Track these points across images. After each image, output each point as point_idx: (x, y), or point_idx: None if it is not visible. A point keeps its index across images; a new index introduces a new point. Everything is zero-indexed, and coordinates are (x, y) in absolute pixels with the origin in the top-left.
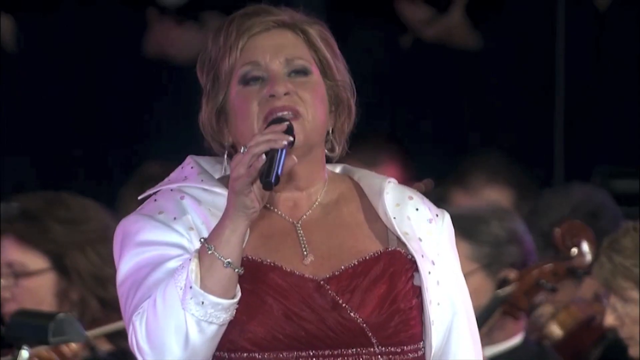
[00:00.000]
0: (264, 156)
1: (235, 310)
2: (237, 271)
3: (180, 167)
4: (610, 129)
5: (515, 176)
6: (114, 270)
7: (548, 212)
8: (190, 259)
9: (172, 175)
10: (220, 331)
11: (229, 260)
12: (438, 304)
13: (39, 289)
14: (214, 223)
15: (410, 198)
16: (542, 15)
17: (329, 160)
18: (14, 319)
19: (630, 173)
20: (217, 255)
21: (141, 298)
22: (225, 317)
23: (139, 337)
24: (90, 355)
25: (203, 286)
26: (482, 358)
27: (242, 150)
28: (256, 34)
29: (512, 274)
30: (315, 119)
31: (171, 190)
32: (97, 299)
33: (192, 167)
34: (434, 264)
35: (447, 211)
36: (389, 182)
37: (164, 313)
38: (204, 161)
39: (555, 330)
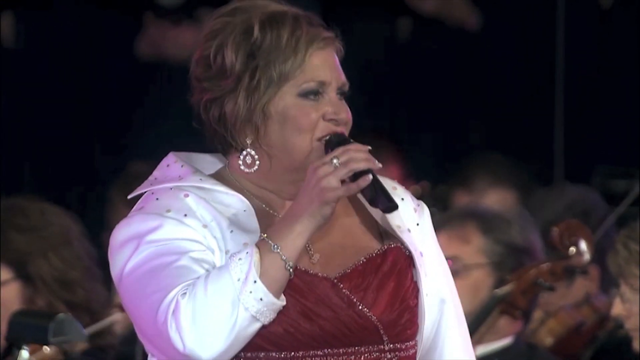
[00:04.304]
0: (370, 176)
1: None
2: (291, 275)
3: (165, 165)
4: (610, 129)
5: (519, 179)
6: (78, 272)
7: (542, 210)
8: (248, 252)
9: (158, 174)
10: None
11: (291, 263)
12: (426, 294)
13: (6, 299)
14: (222, 219)
15: (395, 189)
16: (542, 15)
17: None
18: (14, 319)
19: (630, 173)
20: (282, 255)
21: (172, 281)
22: (272, 317)
23: (181, 315)
24: (64, 358)
25: (264, 284)
26: (472, 351)
27: (334, 162)
28: (318, 49)
29: (509, 274)
30: None
31: (170, 189)
32: (64, 302)
33: (182, 166)
34: (422, 255)
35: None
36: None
37: (216, 300)
38: (189, 159)
39: (545, 337)
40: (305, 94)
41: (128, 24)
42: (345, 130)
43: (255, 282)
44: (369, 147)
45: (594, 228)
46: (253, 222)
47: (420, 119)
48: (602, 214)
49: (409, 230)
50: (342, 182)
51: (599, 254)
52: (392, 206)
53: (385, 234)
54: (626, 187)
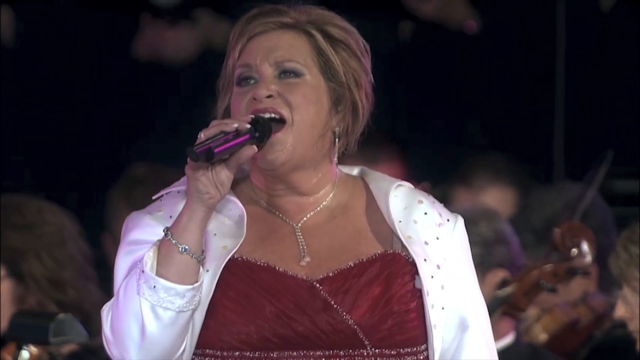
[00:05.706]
0: (202, 135)
1: (196, 299)
2: (195, 257)
3: None
4: (610, 129)
5: (519, 176)
6: (70, 272)
7: (540, 209)
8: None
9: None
10: (180, 319)
11: (185, 246)
12: (442, 308)
13: None
14: (214, 224)
15: (420, 202)
16: (542, 16)
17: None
18: (14, 319)
19: (630, 173)
20: (173, 241)
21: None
22: (181, 303)
23: (105, 326)
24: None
25: (157, 272)
26: None
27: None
28: (255, 35)
29: (511, 275)
30: (302, 122)
31: (178, 192)
32: (55, 302)
33: None
34: (439, 267)
35: None
36: (399, 185)
37: (124, 301)
38: None
39: (539, 334)
40: (239, 83)
41: (127, 24)
42: (274, 105)
43: (143, 271)
44: (247, 117)
45: (592, 226)
46: (241, 228)
47: (420, 119)
48: (600, 213)
49: (425, 243)
50: (225, 161)
51: (599, 253)
52: (190, 151)
53: (397, 242)
54: (626, 187)
